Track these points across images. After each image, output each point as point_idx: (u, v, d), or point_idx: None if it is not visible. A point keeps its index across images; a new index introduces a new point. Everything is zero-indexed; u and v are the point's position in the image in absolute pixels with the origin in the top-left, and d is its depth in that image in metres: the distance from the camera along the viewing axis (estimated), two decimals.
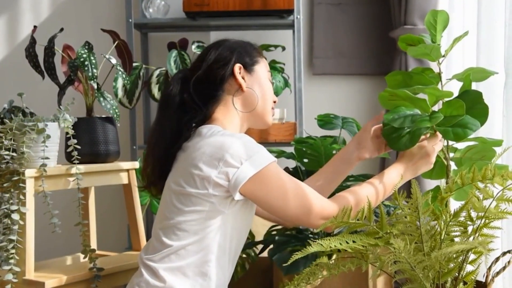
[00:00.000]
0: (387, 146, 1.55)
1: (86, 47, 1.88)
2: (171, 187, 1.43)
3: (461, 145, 1.50)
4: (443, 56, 1.45)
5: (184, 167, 1.40)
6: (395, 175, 1.46)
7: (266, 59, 1.59)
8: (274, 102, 1.57)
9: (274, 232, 1.95)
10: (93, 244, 2.04)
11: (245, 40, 1.57)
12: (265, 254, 2.02)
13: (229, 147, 1.35)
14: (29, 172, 1.68)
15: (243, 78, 1.50)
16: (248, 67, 1.52)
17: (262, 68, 1.54)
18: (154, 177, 1.50)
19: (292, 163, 2.24)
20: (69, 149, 1.78)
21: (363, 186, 1.45)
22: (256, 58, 1.54)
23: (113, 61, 1.94)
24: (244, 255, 2.10)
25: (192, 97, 1.47)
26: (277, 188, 1.38)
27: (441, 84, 1.46)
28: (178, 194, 1.41)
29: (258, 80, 1.52)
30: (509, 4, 1.73)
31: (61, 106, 1.81)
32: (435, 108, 1.45)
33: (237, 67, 1.50)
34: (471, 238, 1.27)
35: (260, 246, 2.04)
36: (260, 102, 1.51)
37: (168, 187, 1.45)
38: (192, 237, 1.39)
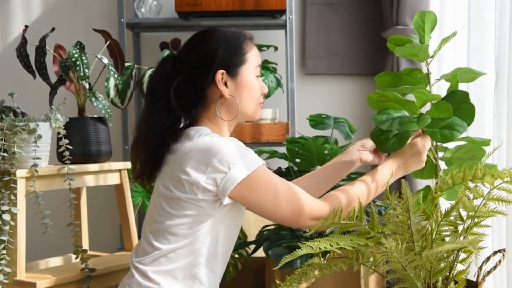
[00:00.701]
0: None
1: (78, 47, 1.87)
2: (160, 191, 1.42)
3: (451, 145, 1.51)
4: (431, 56, 1.46)
5: (173, 171, 1.39)
6: (386, 173, 1.46)
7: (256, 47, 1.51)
8: (264, 93, 1.51)
9: (266, 232, 1.96)
10: (85, 245, 2.04)
11: (234, 32, 1.47)
12: (257, 254, 2.02)
13: (217, 152, 1.34)
14: (20, 173, 1.68)
15: (226, 83, 1.44)
16: (232, 71, 1.44)
17: (248, 67, 1.46)
18: (146, 174, 1.48)
19: (284, 163, 2.24)
20: (61, 149, 1.78)
21: (354, 184, 1.45)
22: (242, 57, 1.45)
23: (105, 61, 1.93)
24: (236, 255, 2.10)
25: (174, 104, 1.42)
26: (267, 191, 1.37)
27: (430, 84, 1.47)
28: (168, 198, 1.40)
29: (243, 83, 1.45)
30: (499, 6, 1.74)
31: (52, 106, 1.81)
32: (425, 109, 1.46)
33: (219, 74, 1.43)
34: (461, 238, 1.28)
35: (252, 246, 2.04)
36: (244, 105, 1.46)
37: (157, 189, 1.44)
38: (182, 241, 1.38)
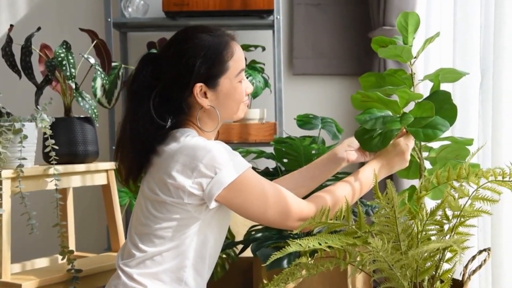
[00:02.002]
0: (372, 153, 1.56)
1: (64, 46, 1.86)
2: (146, 193, 1.41)
3: (435, 145, 1.52)
4: (415, 57, 1.47)
5: (159, 174, 1.38)
6: (370, 173, 1.46)
7: (240, 47, 1.45)
8: (248, 94, 1.48)
9: (254, 232, 1.96)
10: (72, 245, 2.03)
11: (214, 37, 1.41)
12: (245, 254, 2.02)
13: (203, 157, 1.33)
14: (6, 173, 1.66)
15: (205, 94, 1.41)
16: (211, 83, 1.40)
17: (230, 75, 1.41)
18: (133, 177, 1.47)
19: (271, 163, 2.25)
20: (47, 150, 1.77)
21: (339, 185, 1.45)
22: (223, 66, 1.40)
23: (92, 60, 1.92)
24: (224, 255, 2.10)
25: (156, 113, 1.39)
26: (254, 194, 1.37)
27: (413, 85, 1.48)
28: (154, 201, 1.39)
29: (223, 92, 1.42)
30: (484, 7, 1.76)
31: (38, 106, 1.79)
32: (408, 108, 1.47)
33: (197, 87, 1.39)
34: (447, 237, 1.29)
35: (240, 246, 2.04)
36: (226, 111, 1.45)
37: (143, 191, 1.43)
38: (168, 244, 1.38)
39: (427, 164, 1.55)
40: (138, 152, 1.42)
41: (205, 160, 1.33)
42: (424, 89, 1.80)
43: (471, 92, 1.83)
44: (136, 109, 1.41)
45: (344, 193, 1.43)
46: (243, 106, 1.48)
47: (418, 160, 1.52)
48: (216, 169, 1.33)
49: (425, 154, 1.54)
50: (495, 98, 1.62)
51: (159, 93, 1.40)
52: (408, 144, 1.48)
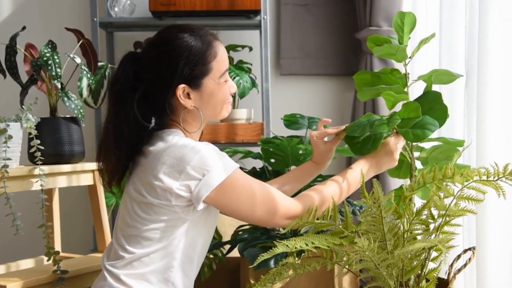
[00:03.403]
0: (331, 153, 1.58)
1: (50, 46, 1.85)
2: (132, 195, 1.39)
3: (427, 145, 1.53)
4: (410, 57, 1.47)
5: (145, 176, 1.37)
6: (358, 172, 1.47)
7: (224, 47, 1.45)
8: (233, 93, 1.47)
9: (241, 232, 1.96)
10: (57, 246, 2.01)
11: (197, 38, 1.39)
12: (232, 254, 2.02)
13: (190, 159, 1.32)
14: None
15: (188, 95, 1.40)
16: (194, 83, 1.39)
17: (213, 75, 1.41)
18: (117, 180, 1.45)
19: (259, 163, 2.25)
20: (32, 150, 1.75)
21: (327, 184, 1.46)
22: (206, 67, 1.39)
23: (78, 60, 1.91)
24: (211, 256, 2.10)
25: (139, 114, 1.38)
26: (242, 194, 1.36)
27: (407, 85, 1.49)
28: (140, 203, 1.38)
29: (207, 93, 1.41)
30: (469, 8, 1.78)
31: (23, 106, 1.78)
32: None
33: (180, 89, 1.38)
34: (432, 236, 1.30)
35: (227, 246, 2.04)
36: (210, 112, 1.44)
37: (129, 193, 1.41)
38: (156, 245, 1.37)
39: (419, 164, 1.56)
40: (122, 154, 1.40)
41: (192, 162, 1.33)
42: (415, 89, 1.80)
43: (457, 92, 1.84)
44: (119, 110, 1.40)
45: (332, 192, 1.44)
46: (227, 106, 1.48)
47: (409, 160, 1.52)
48: (204, 171, 1.33)
49: (416, 154, 1.55)
50: (479, 98, 1.64)
51: (142, 94, 1.39)
52: (397, 144, 1.49)
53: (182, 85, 1.38)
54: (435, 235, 1.29)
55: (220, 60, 1.42)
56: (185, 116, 1.43)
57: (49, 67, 1.80)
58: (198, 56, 1.38)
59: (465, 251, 1.47)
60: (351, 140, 1.51)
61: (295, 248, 1.24)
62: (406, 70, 1.49)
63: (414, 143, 1.52)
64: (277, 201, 1.39)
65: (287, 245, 1.24)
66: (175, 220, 1.37)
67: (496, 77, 1.60)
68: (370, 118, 1.47)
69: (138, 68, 1.41)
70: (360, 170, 1.45)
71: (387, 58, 1.50)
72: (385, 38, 1.48)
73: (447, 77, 1.49)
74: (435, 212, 1.31)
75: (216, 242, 2.02)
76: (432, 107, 1.44)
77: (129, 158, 1.42)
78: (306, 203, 1.40)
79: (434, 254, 1.34)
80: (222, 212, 1.42)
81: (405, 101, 1.46)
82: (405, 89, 1.48)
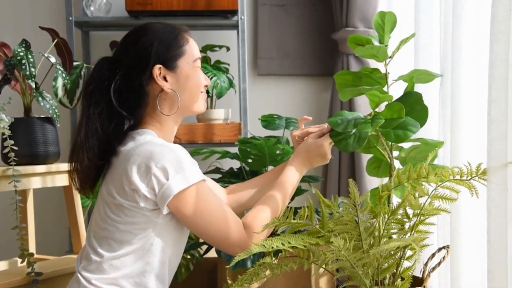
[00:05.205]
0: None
1: (23, 45, 1.82)
2: (104, 196, 1.38)
3: (406, 145, 1.55)
4: (390, 57, 1.48)
5: (116, 176, 1.36)
6: (293, 176, 1.47)
7: (193, 38, 1.48)
8: (206, 86, 1.48)
9: None
10: (32, 248, 1.99)
11: (168, 26, 1.44)
12: (209, 254, 2.02)
13: (157, 161, 1.31)
14: None
15: (165, 78, 1.41)
16: (169, 65, 1.41)
17: (187, 58, 1.43)
18: (90, 182, 1.43)
19: (236, 163, 2.25)
20: (6, 150, 1.73)
21: (267, 201, 1.43)
22: (179, 49, 1.42)
23: (52, 59, 1.88)
24: (188, 256, 2.09)
25: (116, 106, 1.38)
26: (200, 209, 1.34)
27: (387, 85, 1.50)
28: (111, 204, 1.36)
29: (183, 75, 1.42)
30: (443, 10, 1.80)
31: None
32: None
33: (156, 69, 1.40)
34: (407, 235, 1.31)
35: (204, 247, 2.03)
36: (187, 98, 1.44)
37: (101, 194, 1.40)
38: (126, 248, 1.35)
39: (398, 164, 1.57)
40: (95, 154, 1.39)
41: (159, 164, 1.31)
42: (395, 90, 1.81)
43: (432, 93, 1.86)
44: (93, 110, 1.39)
45: (276, 204, 1.42)
46: (202, 97, 1.48)
47: (389, 160, 1.54)
48: (169, 175, 1.31)
49: (396, 153, 1.56)
50: (453, 99, 1.66)
51: (118, 84, 1.39)
52: (329, 144, 1.50)
53: (158, 66, 1.40)
54: (410, 234, 1.31)
55: (192, 46, 1.46)
56: (162, 104, 1.42)
57: (23, 67, 1.78)
58: (170, 38, 1.42)
59: (439, 249, 1.49)
60: (336, 135, 1.51)
61: (272, 247, 1.24)
62: (386, 70, 1.50)
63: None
64: (231, 228, 1.36)
65: (263, 245, 1.24)
66: (146, 222, 1.35)
67: (469, 79, 1.62)
68: (355, 115, 1.47)
69: (113, 63, 1.42)
70: (295, 173, 1.47)
71: (368, 58, 1.50)
72: (366, 38, 1.49)
73: (426, 76, 1.50)
74: (410, 212, 1.33)
75: (193, 243, 2.02)
76: (413, 107, 1.45)
77: (102, 157, 1.40)
78: (257, 229, 1.37)
79: (409, 253, 1.35)
80: (181, 223, 1.38)
81: (388, 102, 1.47)
82: (386, 89, 1.49)
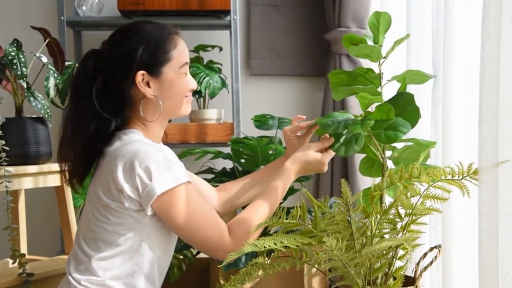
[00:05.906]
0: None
1: (15, 44, 1.82)
2: (91, 196, 1.38)
3: (399, 145, 1.55)
4: (384, 57, 1.49)
5: (102, 177, 1.35)
6: (287, 182, 1.46)
7: (183, 39, 1.44)
8: (192, 89, 1.46)
9: None
10: (23, 249, 1.98)
11: (157, 28, 1.40)
12: (202, 254, 2.01)
13: (142, 161, 1.30)
14: None
15: (148, 83, 1.38)
16: (154, 71, 1.38)
17: (172, 65, 1.40)
18: (77, 176, 1.43)
19: (229, 164, 2.25)
20: None
21: (257, 206, 1.41)
22: (165, 55, 1.38)
23: (44, 59, 1.88)
24: (181, 256, 2.09)
25: (98, 107, 1.36)
26: (184, 211, 1.32)
27: (381, 85, 1.50)
28: (98, 205, 1.36)
29: (167, 82, 1.39)
30: (435, 11, 1.80)
31: None
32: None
33: (139, 75, 1.37)
34: (399, 235, 1.31)
35: None
36: (169, 104, 1.41)
37: (89, 195, 1.40)
38: (115, 249, 1.34)
39: (391, 164, 1.57)
40: (80, 149, 1.38)
41: (143, 165, 1.30)
42: (388, 90, 1.82)
43: (424, 94, 1.87)
44: (78, 104, 1.38)
45: (264, 211, 1.41)
46: (188, 101, 1.46)
47: (381, 160, 1.54)
48: (153, 175, 1.30)
49: (388, 153, 1.56)
50: (445, 100, 1.67)
51: (101, 83, 1.37)
52: (328, 158, 1.49)
53: (142, 72, 1.37)
54: (402, 234, 1.31)
55: (180, 51, 1.42)
56: (145, 108, 1.41)
57: (15, 66, 1.77)
58: (158, 43, 1.38)
59: (431, 249, 1.50)
60: (332, 146, 1.51)
61: (264, 247, 1.24)
62: (380, 70, 1.50)
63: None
64: (215, 232, 1.34)
65: (256, 245, 1.24)
66: (133, 223, 1.34)
67: (461, 79, 1.63)
68: (345, 116, 1.47)
69: (98, 60, 1.40)
70: (287, 181, 1.45)
71: (362, 57, 1.50)
72: (360, 37, 1.49)
73: (420, 77, 1.51)
74: (402, 211, 1.33)
75: (186, 243, 2.01)
76: (404, 108, 1.45)
77: (88, 154, 1.39)
78: (238, 238, 1.36)
79: (401, 252, 1.36)
80: (166, 225, 1.37)
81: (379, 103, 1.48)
82: (379, 89, 1.50)
